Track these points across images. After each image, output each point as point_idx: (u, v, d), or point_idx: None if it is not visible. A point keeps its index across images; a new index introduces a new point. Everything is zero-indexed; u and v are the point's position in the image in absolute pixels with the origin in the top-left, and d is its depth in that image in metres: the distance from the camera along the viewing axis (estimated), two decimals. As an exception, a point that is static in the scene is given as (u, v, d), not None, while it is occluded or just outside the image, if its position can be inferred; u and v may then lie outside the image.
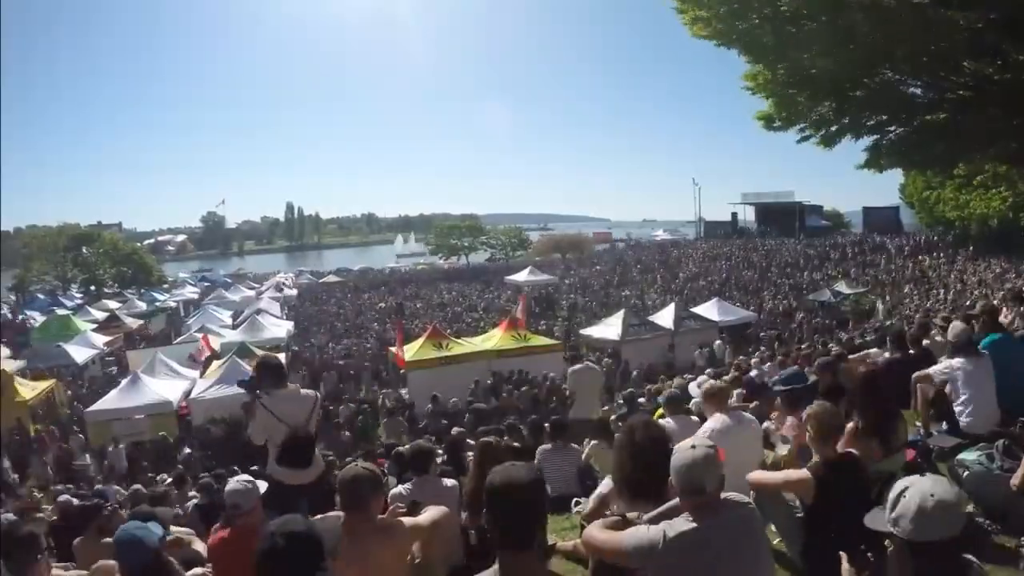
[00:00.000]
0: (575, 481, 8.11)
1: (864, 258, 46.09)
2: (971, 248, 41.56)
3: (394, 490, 5.58)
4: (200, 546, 5.55)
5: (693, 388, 10.71)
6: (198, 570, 4.82)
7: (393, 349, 25.38)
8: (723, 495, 3.26)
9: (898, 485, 2.64)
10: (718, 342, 26.70)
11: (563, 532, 6.24)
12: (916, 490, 2.55)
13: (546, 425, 10.00)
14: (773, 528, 5.19)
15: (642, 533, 3.21)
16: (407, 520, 4.12)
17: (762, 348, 23.07)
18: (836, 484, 4.38)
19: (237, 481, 4.87)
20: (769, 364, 16.29)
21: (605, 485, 4.74)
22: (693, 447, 3.23)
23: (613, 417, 11.67)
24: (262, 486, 5.01)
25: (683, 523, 3.11)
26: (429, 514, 4.28)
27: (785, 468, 5.35)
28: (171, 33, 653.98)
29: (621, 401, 13.92)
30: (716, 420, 6.12)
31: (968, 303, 22.42)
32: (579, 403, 12.28)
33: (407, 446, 6.45)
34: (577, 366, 12.54)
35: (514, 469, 2.80)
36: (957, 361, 6.77)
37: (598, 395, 12.08)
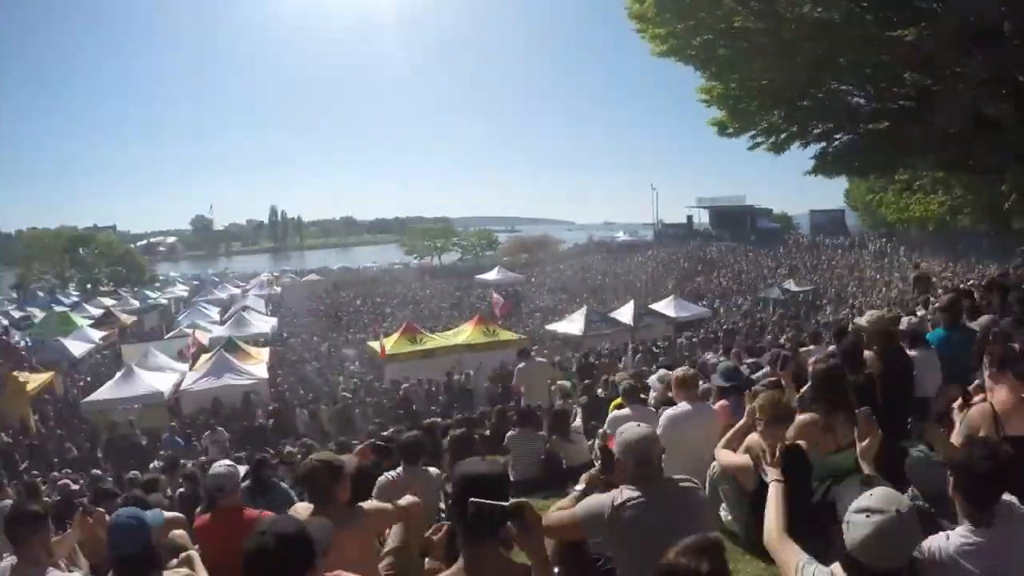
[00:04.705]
0: (539, 466, 8.13)
1: (811, 258, 46.45)
2: (902, 248, 42.13)
3: (384, 476, 5.57)
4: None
5: (652, 380, 10.65)
6: (190, 552, 4.71)
7: (372, 344, 25.38)
8: (669, 475, 3.37)
9: (864, 499, 2.58)
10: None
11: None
12: (877, 519, 2.46)
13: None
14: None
15: (592, 502, 3.33)
16: (369, 504, 4.02)
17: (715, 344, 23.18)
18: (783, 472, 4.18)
19: (220, 465, 4.98)
20: (723, 358, 16.35)
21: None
22: (639, 425, 3.44)
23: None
24: (242, 470, 5.01)
25: (629, 491, 3.19)
26: (400, 501, 4.20)
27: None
28: (159, 44, 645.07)
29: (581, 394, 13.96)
30: (680, 406, 6.05)
31: (910, 298, 22.52)
32: (529, 396, 12.41)
33: (402, 437, 6.34)
34: (522, 364, 12.66)
35: (478, 463, 2.76)
36: (912, 353, 6.68)
37: (547, 388, 12.26)
